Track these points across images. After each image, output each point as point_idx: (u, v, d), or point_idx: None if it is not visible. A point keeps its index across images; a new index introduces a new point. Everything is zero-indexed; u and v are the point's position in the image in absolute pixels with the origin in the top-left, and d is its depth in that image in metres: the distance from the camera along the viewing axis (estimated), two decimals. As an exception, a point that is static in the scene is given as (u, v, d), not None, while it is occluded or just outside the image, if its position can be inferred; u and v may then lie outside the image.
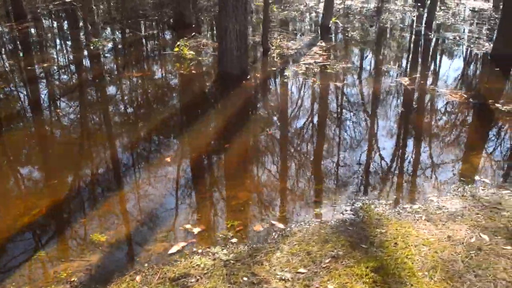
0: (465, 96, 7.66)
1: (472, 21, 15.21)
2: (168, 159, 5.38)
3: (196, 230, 4.08)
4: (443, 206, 4.43)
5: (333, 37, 12.26)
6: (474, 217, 4.18)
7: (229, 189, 4.84)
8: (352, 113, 7.08)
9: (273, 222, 4.20)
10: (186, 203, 4.57)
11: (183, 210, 4.43)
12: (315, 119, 6.86)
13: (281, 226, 4.14)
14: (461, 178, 5.05)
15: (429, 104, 7.50)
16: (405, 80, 8.46)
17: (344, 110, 7.24)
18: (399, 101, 7.62)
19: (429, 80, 8.69)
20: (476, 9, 17.60)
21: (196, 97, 7.72)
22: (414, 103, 7.54)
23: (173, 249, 3.81)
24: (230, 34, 8.19)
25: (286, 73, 8.79)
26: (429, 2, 14.92)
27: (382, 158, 5.57)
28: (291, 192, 4.78)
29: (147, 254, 3.76)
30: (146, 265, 3.60)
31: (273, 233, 4.01)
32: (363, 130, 6.40)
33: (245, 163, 5.42)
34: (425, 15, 14.75)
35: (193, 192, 4.77)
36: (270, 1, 18.11)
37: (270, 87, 8.36)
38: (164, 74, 8.98)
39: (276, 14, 15.40)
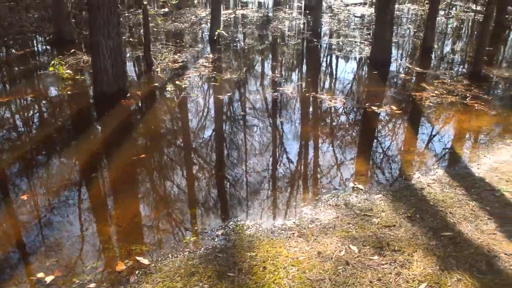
0: (344, 100, 7.82)
1: (355, 27, 15.91)
2: (24, 197, 4.78)
3: (49, 278, 3.59)
4: (317, 219, 4.33)
5: (221, 48, 12.11)
6: (345, 228, 4.12)
7: (92, 225, 4.37)
8: (231, 128, 6.91)
9: (138, 258, 3.83)
10: (41, 247, 4.03)
11: (37, 256, 3.90)
12: (192, 138, 6.56)
13: (146, 262, 3.77)
14: (336, 186, 5.03)
15: (309, 111, 7.55)
16: (289, 88, 8.49)
17: (223, 125, 7.05)
18: (280, 111, 7.58)
19: (312, 87, 8.81)
20: (360, 15, 18.50)
21: (67, 121, 7.09)
22: (295, 111, 7.53)
23: (18, 306, 3.30)
24: (102, 50, 7.68)
25: (168, 88, 8.43)
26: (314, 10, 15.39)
27: (258, 173, 5.41)
28: (160, 222, 4.42)
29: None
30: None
31: (137, 271, 3.63)
32: (240, 145, 6.23)
33: (112, 193, 4.98)
34: (312, 22, 15.15)
35: (50, 233, 4.23)
36: (161, 13, 17.67)
37: (150, 105, 7.94)
38: (34, 97, 8.18)
39: (165, 26, 14.99)
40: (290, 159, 5.81)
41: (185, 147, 6.19)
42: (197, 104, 7.72)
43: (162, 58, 10.51)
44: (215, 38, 12.34)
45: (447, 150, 6.07)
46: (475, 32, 15.61)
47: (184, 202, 4.79)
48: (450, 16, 17.61)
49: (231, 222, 4.32)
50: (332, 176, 5.30)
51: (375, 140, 6.47)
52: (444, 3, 19.28)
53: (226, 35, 12.37)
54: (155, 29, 14.56)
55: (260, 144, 6.23)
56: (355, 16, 18.09)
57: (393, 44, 12.48)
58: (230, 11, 18.68)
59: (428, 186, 4.92)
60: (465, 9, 19.95)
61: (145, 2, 9.54)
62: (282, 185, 5.12)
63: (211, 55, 11.21)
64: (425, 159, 5.76)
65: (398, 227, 4.07)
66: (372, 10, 19.24)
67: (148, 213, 4.57)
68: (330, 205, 4.60)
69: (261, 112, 7.54)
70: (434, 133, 6.66)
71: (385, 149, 6.13)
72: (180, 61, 10.60)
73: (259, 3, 22.91)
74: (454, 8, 20.09)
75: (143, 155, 5.75)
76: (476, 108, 7.52)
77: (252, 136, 6.53)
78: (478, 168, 5.37)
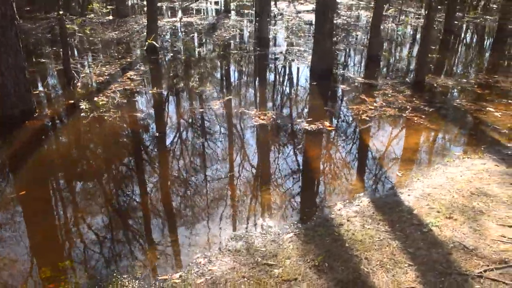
0: (274, 117, 7.11)
1: (303, 34, 15.31)
2: None
3: None
4: (209, 270, 3.57)
5: (156, 59, 11.27)
6: (238, 284, 3.37)
7: None
8: (138, 156, 6.10)
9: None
10: None
11: None
12: (88, 169, 5.69)
13: None
14: (243, 224, 4.27)
15: (231, 131, 6.77)
16: (217, 104, 7.73)
17: (130, 152, 6.22)
18: (201, 131, 6.81)
19: (243, 102, 8.09)
20: (311, 22, 17.94)
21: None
22: (215, 132, 6.75)
23: None
24: (0, 68, 6.76)
25: (83, 106, 7.52)
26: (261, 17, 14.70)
27: (151, 210, 4.61)
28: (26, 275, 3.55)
29: None
30: None
31: None
32: (136, 180, 5.41)
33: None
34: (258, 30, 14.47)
35: None
36: (104, 21, 16.69)
37: (56, 126, 7.01)
38: None
39: (103, 35, 14.05)
40: (193, 191, 5.01)
41: (76, 182, 5.31)
42: (108, 125, 6.84)
43: (87, 71, 9.60)
44: (145, 48, 11.48)
45: (377, 173, 5.43)
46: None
47: (50, 257, 3.93)
48: (400, 22, 17.30)
49: (104, 280, 3.50)
50: (240, 211, 4.54)
51: (296, 164, 5.72)
52: (393, 9, 19.04)
53: (158, 45, 11.50)
54: (91, 38, 13.62)
55: (163, 175, 5.44)
56: (306, 24, 17.53)
57: (338, 52, 11.99)
58: (176, 18, 17.84)
59: (348, 221, 4.24)
60: (417, 15, 19.76)
61: (61, 12, 8.62)
62: (179, 225, 4.33)
63: (142, 67, 10.36)
64: (351, 185, 5.10)
65: (300, 282, 3.35)
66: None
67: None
68: (229, 250, 3.84)
69: (178, 132, 6.76)
70: (364, 153, 6.03)
71: (306, 174, 5.42)
72: (107, 74, 9.70)
73: (216, 10, 22.17)
74: (404, 15, 19.86)
75: (23, 192, 4.85)
76: (415, 121, 6.96)
77: (157, 165, 5.73)
78: (408, 195, 4.74)
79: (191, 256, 3.80)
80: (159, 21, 17.81)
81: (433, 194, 4.72)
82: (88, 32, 12.76)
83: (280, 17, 19.26)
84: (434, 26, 16.80)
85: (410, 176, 5.25)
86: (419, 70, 9.13)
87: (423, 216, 4.24)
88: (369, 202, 4.62)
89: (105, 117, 7.07)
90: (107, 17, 18.62)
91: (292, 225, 4.24)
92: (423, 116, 7.20)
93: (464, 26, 18.05)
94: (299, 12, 20.79)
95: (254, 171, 5.46)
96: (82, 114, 7.25)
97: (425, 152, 6.02)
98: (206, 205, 4.68)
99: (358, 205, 4.59)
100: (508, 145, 6.19)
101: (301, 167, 5.61)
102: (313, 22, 17.60)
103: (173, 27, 16.22)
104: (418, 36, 15.90)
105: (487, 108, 7.71)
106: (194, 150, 6.09)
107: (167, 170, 5.51)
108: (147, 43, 11.14)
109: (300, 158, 5.86)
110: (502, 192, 4.70)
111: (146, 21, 17.14)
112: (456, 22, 16.41)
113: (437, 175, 5.25)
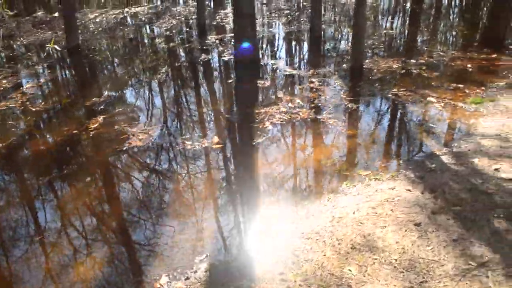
0: (156, 134, 5.76)
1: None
2: None
3: None
4: None
5: (72, 64, 9.87)
6: None
7: None
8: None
9: None
10: None
11: None
12: None
13: None
14: None
15: (88, 163, 5.45)
16: (97, 121, 6.38)
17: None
18: (52, 165, 5.50)
19: (129, 116, 6.70)
20: (266, 1, 16.38)
21: None
22: (73, 164, 5.45)
23: None
24: None
25: None
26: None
27: None
28: None
29: None
30: None
31: None
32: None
33: None
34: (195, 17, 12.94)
35: None
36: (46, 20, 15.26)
37: None
38: None
39: (26, 39, 12.66)
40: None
41: None
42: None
43: (-24, 87, 8.29)
44: (44, 54, 10.05)
45: (240, 218, 4.09)
46: (398, 13, 13.72)
47: None
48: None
49: None
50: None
51: (136, 209, 4.32)
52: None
53: (59, 48, 10.04)
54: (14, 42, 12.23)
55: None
56: (262, 4, 15.98)
57: (278, 36, 10.55)
58: (118, 10, 16.30)
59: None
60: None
61: None
62: None
63: (48, 76, 8.99)
64: (197, 242, 3.76)
65: None
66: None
67: None
68: None
69: (14, 172, 5.46)
70: (239, 186, 4.65)
71: (135, 229, 4.05)
72: (2, 88, 8.38)
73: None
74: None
75: None
76: (330, 126, 5.60)
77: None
78: (265, 256, 3.41)
79: None
80: (103, 14, 16.39)
81: (299, 251, 3.40)
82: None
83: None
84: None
85: (284, 218, 3.90)
86: (355, 54, 7.68)
87: (261, 299, 2.92)
88: (205, 272, 3.32)
89: (-46, 151, 5.78)
90: (53, 14, 17.23)
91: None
92: (343, 117, 5.82)
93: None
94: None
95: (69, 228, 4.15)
96: None
97: (323, 175, 4.64)
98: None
99: (188, 278, 3.29)
100: (438, 153, 4.80)
101: (138, 216, 4.24)
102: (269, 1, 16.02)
103: (114, 20, 14.74)
104: (396, 8, 14.30)
105: (428, 98, 6.29)
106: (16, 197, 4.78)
107: None
108: (47, 46, 9.73)
109: (145, 199, 4.50)
110: (396, 242, 3.37)
111: (94, 15, 15.75)
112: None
113: (322, 213, 3.92)
